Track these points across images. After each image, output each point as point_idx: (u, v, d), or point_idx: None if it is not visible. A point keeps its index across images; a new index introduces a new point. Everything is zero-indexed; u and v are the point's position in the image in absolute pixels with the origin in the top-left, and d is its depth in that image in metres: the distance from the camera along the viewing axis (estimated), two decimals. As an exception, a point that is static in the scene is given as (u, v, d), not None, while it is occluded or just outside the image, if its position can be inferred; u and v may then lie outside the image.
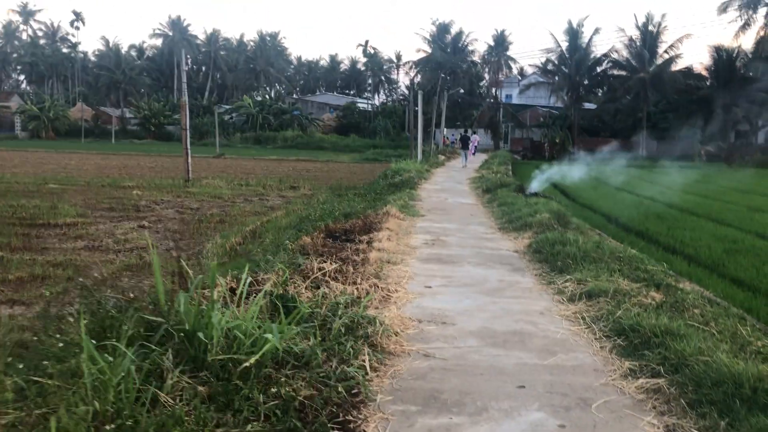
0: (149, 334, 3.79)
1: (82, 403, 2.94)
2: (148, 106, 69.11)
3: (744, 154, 50.56)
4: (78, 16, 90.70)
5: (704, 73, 56.04)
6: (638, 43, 54.96)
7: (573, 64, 57.20)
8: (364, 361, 4.39)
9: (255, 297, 4.47)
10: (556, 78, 59.55)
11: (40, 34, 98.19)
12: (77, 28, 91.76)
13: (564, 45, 58.25)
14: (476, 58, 75.13)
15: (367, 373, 4.27)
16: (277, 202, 17.91)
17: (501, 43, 76.22)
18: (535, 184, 19.78)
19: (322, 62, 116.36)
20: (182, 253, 10.22)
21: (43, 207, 13.98)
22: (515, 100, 70.91)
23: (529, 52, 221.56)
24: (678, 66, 55.09)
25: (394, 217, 12.16)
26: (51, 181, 20.90)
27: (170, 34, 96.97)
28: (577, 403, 4.12)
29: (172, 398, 3.30)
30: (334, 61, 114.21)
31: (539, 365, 4.81)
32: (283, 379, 3.63)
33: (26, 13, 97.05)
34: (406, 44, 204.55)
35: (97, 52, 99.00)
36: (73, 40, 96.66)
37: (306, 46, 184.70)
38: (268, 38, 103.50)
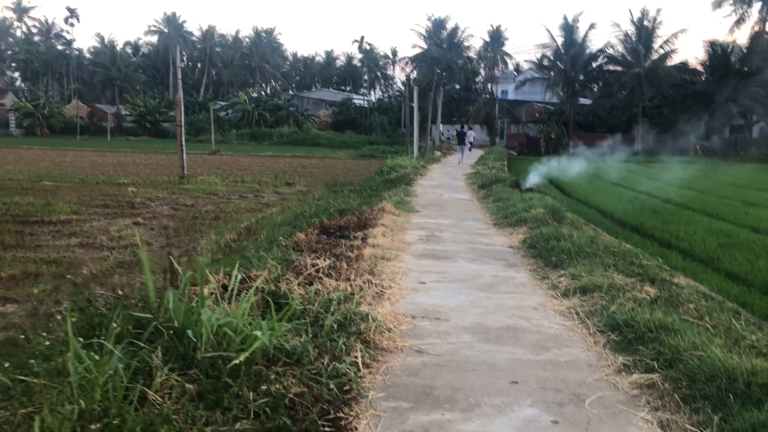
0: (138, 331, 3.75)
1: (67, 402, 2.91)
2: (143, 103, 68.85)
3: (739, 148, 50.70)
4: (72, 12, 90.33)
5: (699, 68, 56.07)
6: (633, 39, 54.98)
7: (568, 59, 57.18)
8: (356, 357, 4.36)
9: (246, 294, 4.42)
10: (552, 73, 59.51)
11: (34, 30, 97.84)
12: (72, 24, 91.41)
13: (559, 40, 58.24)
14: (472, 53, 75.05)
15: (359, 370, 4.24)
16: (273, 198, 17.87)
17: (497, 38, 76.09)
18: (531, 180, 19.76)
19: (317, 58, 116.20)
20: (176, 249, 10.20)
21: (37, 204, 13.91)
22: (511, 96, 70.94)
23: (525, 48, 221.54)
24: (673, 61, 55.20)
25: (389, 213, 12.13)
26: (45, 178, 20.81)
27: (165, 30, 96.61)
28: (571, 399, 4.09)
29: (160, 396, 3.27)
30: (329, 57, 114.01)
31: (532, 361, 4.79)
32: (273, 377, 3.59)
33: (20, 10, 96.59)
34: (401, 40, 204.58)
35: (92, 49, 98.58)
36: (68, 37, 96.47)
37: (302, 42, 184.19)
38: (264, 34, 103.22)
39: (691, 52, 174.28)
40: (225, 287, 5.04)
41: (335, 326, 4.74)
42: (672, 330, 4.91)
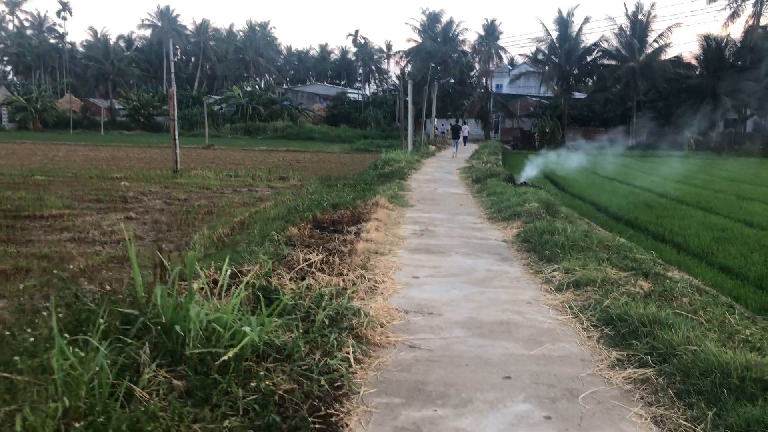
0: (126, 327, 3.69)
1: (51, 400, 2.86)
2: (137, 97, 68.54)
3: (733, 142, 50.80)
4: (65, 6, 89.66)
5: (693, 62, 56.15)
6: (628, 32, 54.95)
7: (563, 53, 57.16)
8: (348, 353, 4.31)
9: (237, 289, 4.37)
10: (546, 67, 59.50)
11: (26, 24, 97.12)
12: (64, 18, 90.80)
13: (554, 34, 58.22)
14: (467, 47, 74.82)
15: (350, 366, 4.20)
16: (266, 193, 17.81)
17: (491, 32, 75.84)
18: (525, 174, 19.74)
19: (312, 52, 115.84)
20: (168, 244, 10.15)
21: (29, 199, 13.83)
22: (506, 90, 70.82)
23: (520, 42, 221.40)
24: (667, 55, 55.23)
25: (383, 207, 12.08)
26: (38, 172, 20.70)
27: (159, 24, 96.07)
28: (564, 394, 4.06)
29: (148, 393, 3.22)
30: (324, 51, 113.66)
31: (526, 355, 4.75)
32: (263, 373, 3.54)
33: (12, 3, 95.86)
34: (396, 34, 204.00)
35: (84, 43, 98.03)
36: (61, 30, 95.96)
37: (296, 36, 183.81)
38: (258, 28, 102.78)
39: (685, 46, 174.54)
40: (216, 282, 4.99)
41: (327, 321, 4.69)
42: (666, 324, 4.88)
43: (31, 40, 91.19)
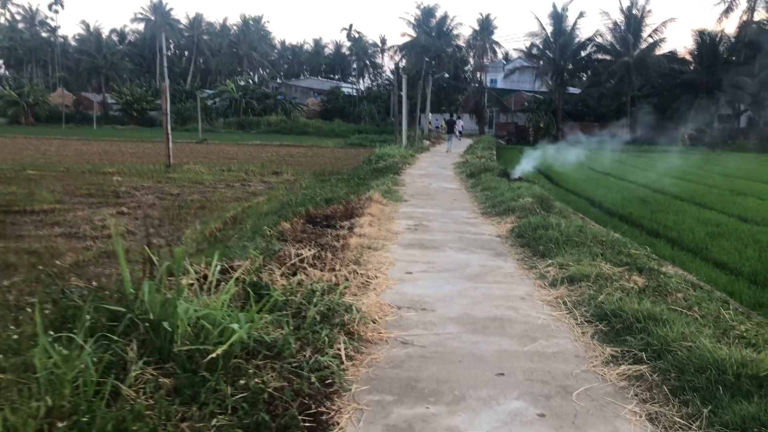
0: (113, 324, 3.63)
1: (33, 399, 2.79)
2: (130, 91, 68.24)
3: (727, 138, 50.90)
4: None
5: (688, 57, 56.20)
6: (622, 27, 54.99)
7: (557, 48, 57.13)
8: (339, 349, 4.25)
9: (226, 285, 4.30)
10: (541, 62, 59.46)
11: (18, 17, 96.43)
12: (56, 11, 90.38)
13: (549, 29, 58.17)
14: (461, 42, 74.71)
15: (342, 362, 4.14)
16: (260, 187, 17.71)
17: (486, 27, 75.68)
18: (519, 169, 19.70)
19: (306, 46, 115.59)
20: (160, 239, 10.07)
21: (20, 194, 13.72)
22: (500, 85, 70.78)
23: (514, 37, 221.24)
24: (662, 50, 55.27)
25: (377, 202, 12.02)
26: (29, 167, 20.54)
27: (152, 18, 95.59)
28: (558, 391, 4.01)
29: (134, 391, 3.15)
30: (318, 46, 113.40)
31: (519, 352, 4.70)
32: (252, 371, 3.48)
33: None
34: (390, 28, 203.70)
35: (77, 37, 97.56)
36: (53, 24, 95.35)
37: (290, 30, 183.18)
38: (252, 22, 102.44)
39: (679, 42, 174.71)
40: (206, 278, 4.92)
41: (318, 318, 4.62)
42: (660, 320, 4.84)
43: (23, 33, 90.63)
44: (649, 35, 54.84)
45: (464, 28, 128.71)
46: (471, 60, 75.74)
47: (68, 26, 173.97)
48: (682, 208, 14.59)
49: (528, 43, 60.69)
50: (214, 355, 3.40)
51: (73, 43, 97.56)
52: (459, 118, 49.31)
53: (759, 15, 52.27)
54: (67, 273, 5.94)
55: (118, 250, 3.88)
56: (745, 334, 4.75)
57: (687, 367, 4.00)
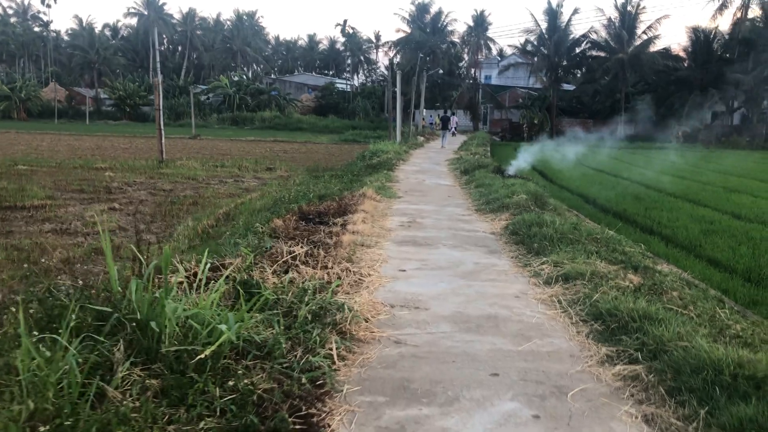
0: (100, 323, 3.55)
1: (15, 402, 2.71)
2: (122, 86, 67.82)
3: (721, 135, 51.02)
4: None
5: (682, 54, 56.29)
6: (617, 24, 54.98)
7: (552, 44, 57.10)
8: (331, 349, 4.18)
9: (216, 283, 4.23)
10: (535, 59, 59.43)
11: (10, 12, 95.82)
12: (48, 6, 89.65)
13: (543, 25, 58.13)
14: (455, 38, 74.46)
15: (333, 363, 4.07)
16: (253, 183, 17.63)
17: (480, 23, 75.50)
18: (513, 165, 19.65)
19: (300, 42, 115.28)
20: (152, 236, 9.98)
21: (11, 189, 13.58)
22: (494, 81, 70.74)
23: (509, 33, 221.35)
24: (656, 47, 55.30)
25: (371, 198, 11.95)
26: (20, 162, 20.38)
27: (145, 13, 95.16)
28: (553, 392, 3.96)
29: (121, 393, 3.08)
30: (312, 41, 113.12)
31: (513, 351, 4.64)
32: (241, 372, 3.41)
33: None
34: (385, 24, 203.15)
35: (69, 32, 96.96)
36: (45, 18, 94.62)
37: (284, 25, 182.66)
38: (246, 17, 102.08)
39: (674, 38, 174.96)
40: (196, 275, 4.85)
41: (310, 317, 4.55)
42: (656, 319, 4.79)
43: (15, 28, 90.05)
44: (644, 32, 54.88)
45: (459, 24, 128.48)
46: (465, 56, 75.56)
47: (61, 21, 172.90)
48: (676, 205, 14.57)
49: (522, 40, 60.79)
50: (202, 356, 3.32)
51: (65, 37, 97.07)
52: (453, 114, 49.24)
53: (753, 12, 52.39)
54: (54, 270, 5.85)
55: (106, 248, 3.80)
56: (741, 333, 4.70)
57: (683, 367, 3.94)
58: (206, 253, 4.56)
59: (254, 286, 4.70)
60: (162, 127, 22.06)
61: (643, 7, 55.77)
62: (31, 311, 3.55)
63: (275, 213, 10.07)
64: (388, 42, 76.98)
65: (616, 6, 55.63)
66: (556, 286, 6.28)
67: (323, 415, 3.44)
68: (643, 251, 8.15)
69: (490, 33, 74.83)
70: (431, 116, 61.82)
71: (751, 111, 55.31)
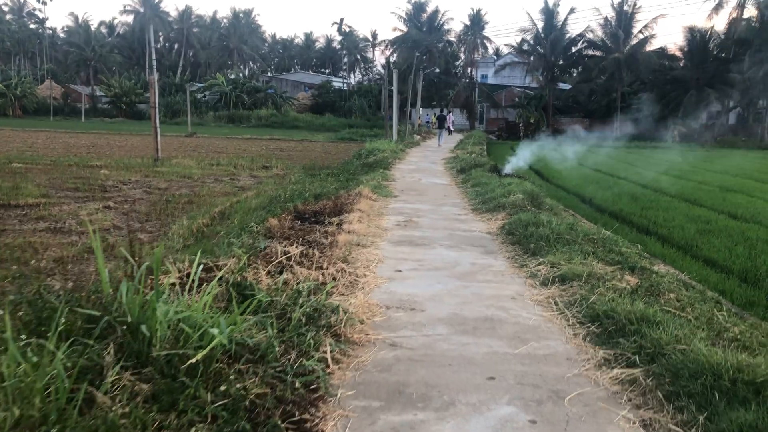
0: (90, 326, 3.48)
1: (0, 410, 2.65)
2: (119, 84, 67.65)
3: (716, 134, 51.09)
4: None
5: (678, 53, 56.33)
6: (613, 23, 55.03)
7: (548, 44, 57.14)
8: (325, 352, 4.12)
9: (209, 285, 4.16)
10: (532, 58, 59.46)
11: (5, 9, 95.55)
12: (44, 3, 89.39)
13: (540, 25, 58.16)
14: (452, 37, 74.45)
15: (328, 366, 4.01)
16: (249, 182, 17.55)
17: (477, 22, 75.47)
18: (510, 165, 19.61)
19: (296, 40, 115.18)
20: (147, 235, 9.91)
21: (4, 187, 13.49)
22: (491, 80, 70.75)
23: (505, 32, 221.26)
24: (652, 46, 55.40)
25: (367, 197, 11.90)
26: (15, 160, 20.26)
27: (141, 10, 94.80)
28: (550, 396, 3.91)
29: (111, 398, 3.01)
30: (309, 39, 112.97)
31: (510, 354, 4.59)
32: (233, 376, 3.34)
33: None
34: (381, 23, 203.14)
35: (65, 29, 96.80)
36: (41, 15, 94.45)
37: (280, 23, 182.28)
38: (242, 15, 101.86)
39: (670, 38, 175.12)
40: (189, 276, 4.78)
41: (304, 319, 4.49)
42: (653, 322, 4.74)
43: (11, 25, 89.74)
44: (640, 31, 54.95)
45: (455, 23, 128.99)
46: (462, 55, 75.56)
47: (57, 18, 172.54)
48: (672, 205, 14.54)
49: (519, 39, 60.83)
50: (193, 360, 3.26)
51: (61, 35, 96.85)
52: (450, 113, 49.19)
53: (748, 12, 52.38)
54: (45, 271, 5.78)
55: (96, 249, 3.74)
56: (739, 336, 4.65)
57: (682, 371, 3.89)
58: (199, 254, 4.50)
59: (248, 287, 4.63)
60: (158, 124, 21.96)
61: (640, 7, 55.89)
62: (20, 314, 3.49)
63: (270, 212, 10.00)
64: (384, 41, 77.10)
65: (612, 5, 55.73)
66: (553, 288, 6.23)
67: (317, 420, 3.38)
68: (639, 252, 8.12)
69: (486, 32, 74.84)
70: (427, 115, 61.80)
71: (746, 110, 55.42)
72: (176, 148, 28.72)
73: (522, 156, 22.54)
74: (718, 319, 5.15)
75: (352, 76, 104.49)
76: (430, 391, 3.91)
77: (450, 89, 67.56)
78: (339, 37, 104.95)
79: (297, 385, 3.51)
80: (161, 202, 12.98)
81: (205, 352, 3.30)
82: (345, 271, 6.34)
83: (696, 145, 45.12)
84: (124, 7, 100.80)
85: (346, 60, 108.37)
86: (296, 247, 6.83)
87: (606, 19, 55.59)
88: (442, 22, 72.53)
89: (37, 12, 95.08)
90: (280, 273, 5.67)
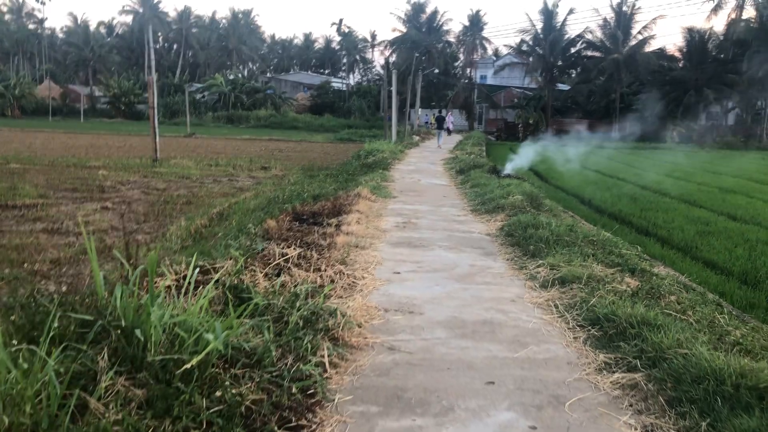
0: (84, 331, 3.43)
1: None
2: (117, 84, 67.55)
3: (715, 135, 51.07)
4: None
5: (677, 54, 56.30)
6: (612, 24, 55.00)
7: (547, 44, 57.11)
8: (322, 357, 4.07)
9: (205, 288, 4.11)
10: (531, 59, 59.44)
11: (4, 9, 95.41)
12: (43, 3, 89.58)
13: (539, 25, 58.14)
14: (451, 38, 74.41)
15: (325, 371, 3.96)
16: (247, 183, 17.49)
17: (476, 23, 75.39)
18: (509, 166, 19.57)
19: (296, 41, 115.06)
20: (145, 236, 9.86)
21: (2, 188, 13.45)
22: (490, 81, 70.65)
23: (504, 33, 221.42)
24: (651, 47, 55.36)
25: (365, 198, 11.85)
26: (13, 160, 20.20)
27: (140, 10, 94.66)
28: (550, 402, 3.85)
29: (104, 405, 2.96)
30: (308, 40, 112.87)
31: (509, 358, 4.54)
32: (228, 382, 3.29)
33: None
34: (381, 23, 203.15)
35: (64, 29, 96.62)
36: (40, 15, 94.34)
37: (280, 24, 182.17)
38: (241, 16, 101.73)
39: (669, 39, 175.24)
40: (185, 279, 4.73)
41: (301, 323, 4.44)
42: (654, 325, 4.69)
43: (10, 25, 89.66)
44: (639, 32, 54.91)
45: (454, 24, 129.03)
46: (461, 56, 75.52)
47: (55, 18, 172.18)
48: (671, 206, 14.51)
49: (518, 40, 60.73)
50: (188, 366, 3.21)
51: (60, 35, 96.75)
52: (449, 113, 49.15)
53: (747, 13, 52.40)
54: (42, 273, 5.73)
55: (90, 252, 3.69)
56: (741, 340, 4.60)
57: (684, 376, 3.84)
58: (195, 257, 4.44)
59: (244, 290, 4.58)
60: (156, 125, 21.91)
61: (639, 8, 56.04)
62: (12, 318, 3.43)
63: (269, 213, 9.96)
64: (383, 41, 76.97)
65: (611, 6, 55.74)
66: (553, 290, 6.18)
67: (314, 426, 3.33)
68: (639, 253, 8.07)
69: (485, 33, 74.81)
70: (426, 115, 61.76)
71: (745, 111, 55.39)
72: (175, 148, 28.64)
73: (521, 156, 22.50)
74: (719, 322, 5.10)
75: (351, 76, 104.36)
76: (428, 396, 3.86)
77: (449, 90, 67.52)
78: (338, 38, 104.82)
79: (294, 390, 3.46)
80: (159, 203, 12.93)
81: (200, 357, 3.25)
82: (343, 274, 6.29)
83: (695, 145, 45.09)
84: (123, 7, 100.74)
85: (345, 60, 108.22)
86: (294, 248, 6.78)
87: (605, 19, 55.62)
88: (441, 23, 72.55)
89: (35, 12, 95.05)
90: (278, 275, 5.62)
